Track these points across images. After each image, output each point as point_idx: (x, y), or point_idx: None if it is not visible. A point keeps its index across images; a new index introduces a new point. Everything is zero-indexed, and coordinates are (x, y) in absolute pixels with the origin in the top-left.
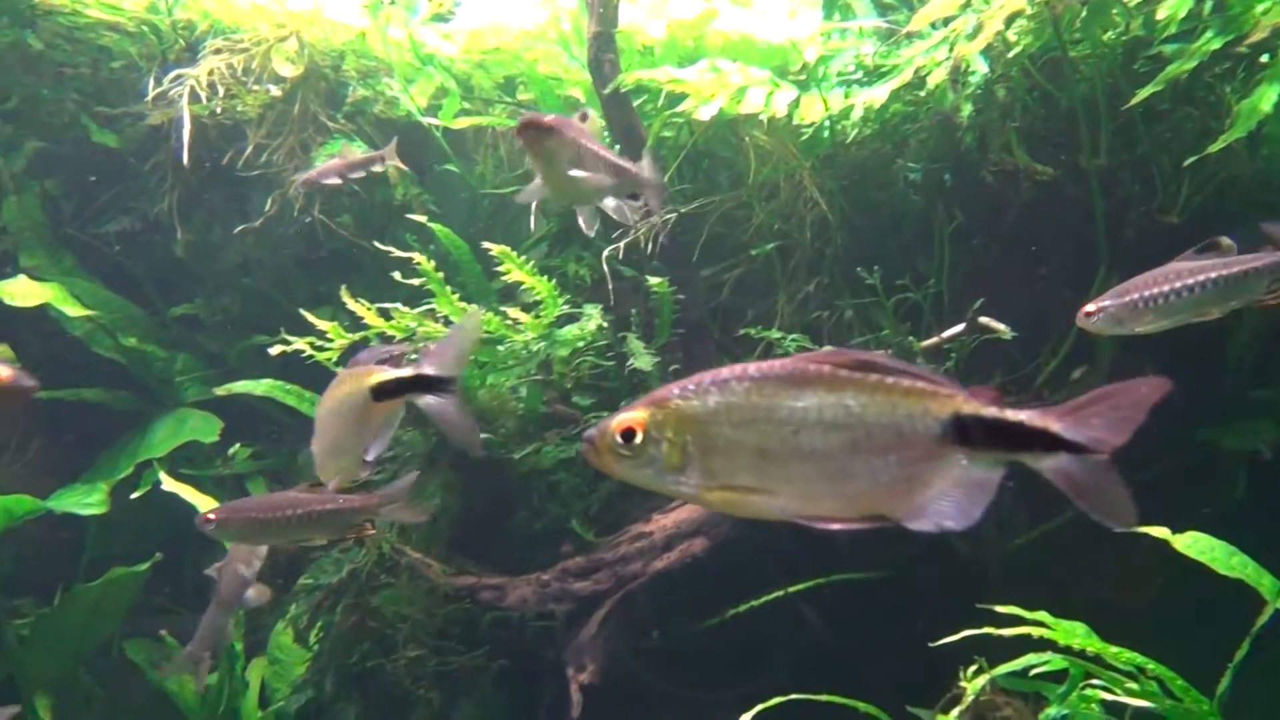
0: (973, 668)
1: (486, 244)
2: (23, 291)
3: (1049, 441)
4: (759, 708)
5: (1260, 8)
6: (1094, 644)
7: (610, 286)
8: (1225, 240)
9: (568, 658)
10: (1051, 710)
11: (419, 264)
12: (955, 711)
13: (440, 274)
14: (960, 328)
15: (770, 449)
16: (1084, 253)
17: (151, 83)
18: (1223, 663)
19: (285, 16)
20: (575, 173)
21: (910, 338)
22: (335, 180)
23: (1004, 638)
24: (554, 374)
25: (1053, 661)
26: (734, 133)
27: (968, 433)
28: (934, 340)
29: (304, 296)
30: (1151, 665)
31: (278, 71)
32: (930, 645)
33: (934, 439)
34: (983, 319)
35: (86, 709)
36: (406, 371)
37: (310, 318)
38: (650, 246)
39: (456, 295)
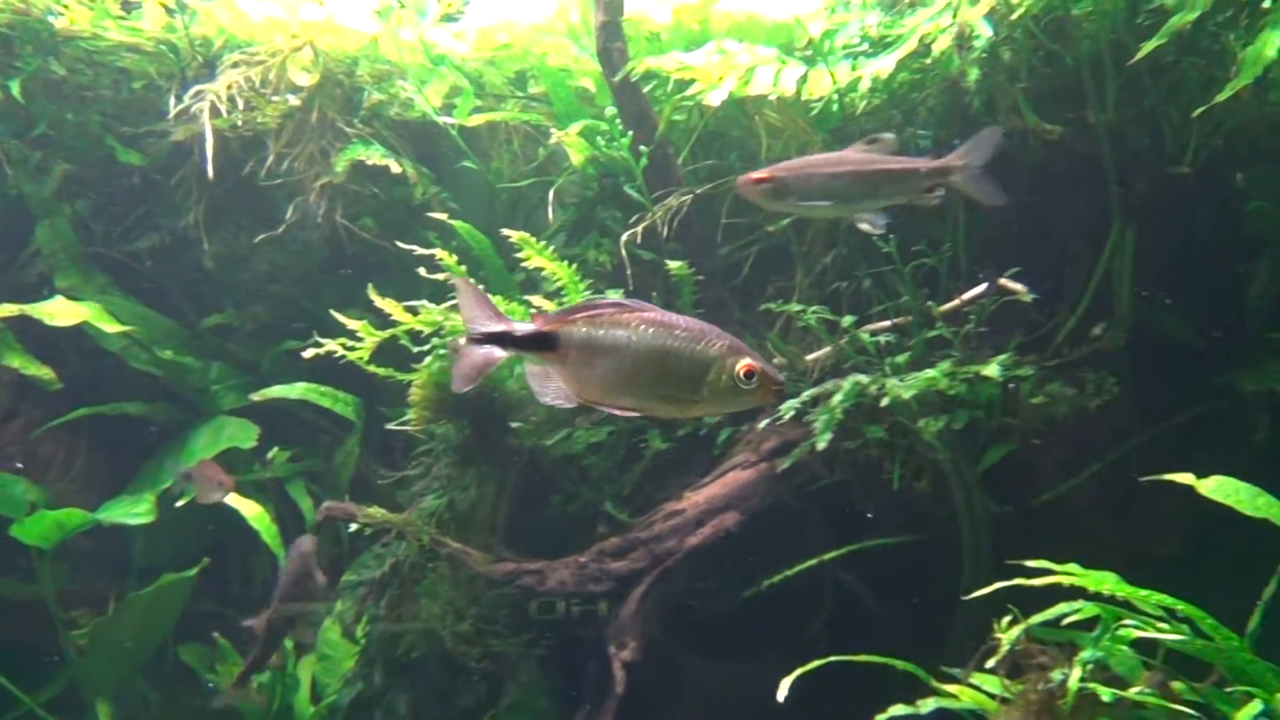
0: (1007, 619)
1: (506, 230)
2: (60, 311)
3: None
4: (799, 671)
5: None
6: (1124, 590)
7: (629, 271)
8: (887, 136)
9: (609, 636)
10: (1086, 653)
11: (441, 259)
12: (992, 661)
13: (463, 267)
14: (980, 290)
15: None
16: (1097, 209)
17: (172, 100)
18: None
19: (299, 27)
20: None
21: (929, 303)
22: None
23: (1036, 591)
24: None
25: (1085, 609)
26: (744, 112)
27: None
28: (953, 304)
29: (331, 300)
30: (1181, 607)
31: (294, 81)
32: (964, 599)
33: None
34: (1002, 281)
35: (144, 713)
36: None
37: (341, 318)
38: (666, 230)
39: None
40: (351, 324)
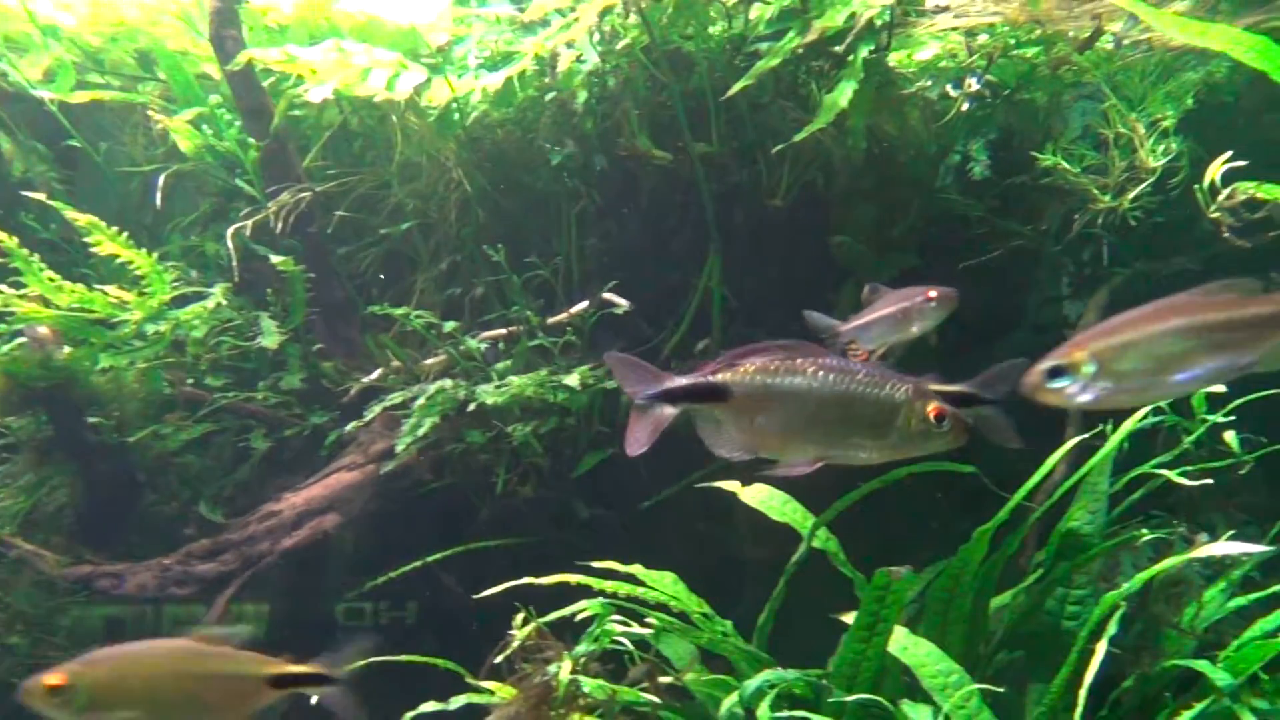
0: (520, 615)
1: (73, 214)
2: None
3: None
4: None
5: (830, 13)
6: (629, 589)
7: (235, 265)
8: None
9: None
10: (580, 647)
11: (1, 241)
12: (502, 656)
13: (26, 250)
14: (585, 304)
15: None
16: (701, 232)
17: None
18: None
19: None
20: None
21: (528, 312)
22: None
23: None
24: (188, 355)
25: (591, 606)
26: (379, 114)
27: None
28: (561, 316)
29: None
30: (679, 600)
31: None
32: (474, 596)
33: None
34: (605, 294)
35: None
36: None
37: None
38: (282, 226)
39: (52, 273)
40: None
